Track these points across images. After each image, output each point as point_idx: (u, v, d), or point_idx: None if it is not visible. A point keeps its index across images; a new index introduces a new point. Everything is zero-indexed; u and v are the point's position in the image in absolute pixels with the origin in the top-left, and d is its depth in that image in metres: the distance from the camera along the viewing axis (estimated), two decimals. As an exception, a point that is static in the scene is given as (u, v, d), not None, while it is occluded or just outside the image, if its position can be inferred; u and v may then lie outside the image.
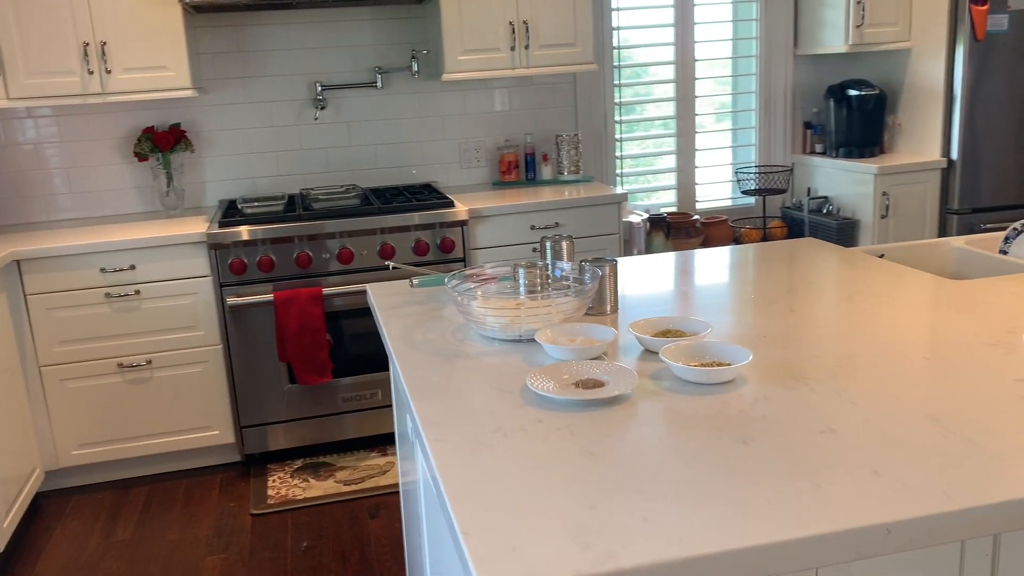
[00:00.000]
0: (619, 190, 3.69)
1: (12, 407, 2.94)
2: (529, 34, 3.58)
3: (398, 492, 3.11)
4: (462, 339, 1.67)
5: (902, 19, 3.97)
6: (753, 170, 4.33)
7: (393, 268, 3.20)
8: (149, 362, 3.22)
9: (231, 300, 3.19)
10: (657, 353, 1.51)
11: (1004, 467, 1.05)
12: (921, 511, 0.96)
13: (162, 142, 3.51)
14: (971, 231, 3.88)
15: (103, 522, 3.04)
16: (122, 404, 3.22)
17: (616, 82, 4.14)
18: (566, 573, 0.87)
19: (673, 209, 4.34)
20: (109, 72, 3.23)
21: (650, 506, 1.00)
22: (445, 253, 3.37)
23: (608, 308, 1.80)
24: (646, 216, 3.95)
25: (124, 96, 3.27)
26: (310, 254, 3.25)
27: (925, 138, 3.99)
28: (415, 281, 2.06)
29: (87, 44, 3.20)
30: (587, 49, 3.67)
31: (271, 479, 3.26)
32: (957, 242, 2.35)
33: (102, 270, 3.12)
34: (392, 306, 1.94)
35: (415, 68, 3.80)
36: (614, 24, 4.08)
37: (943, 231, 3.96)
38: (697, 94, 4.28)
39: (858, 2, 3.88)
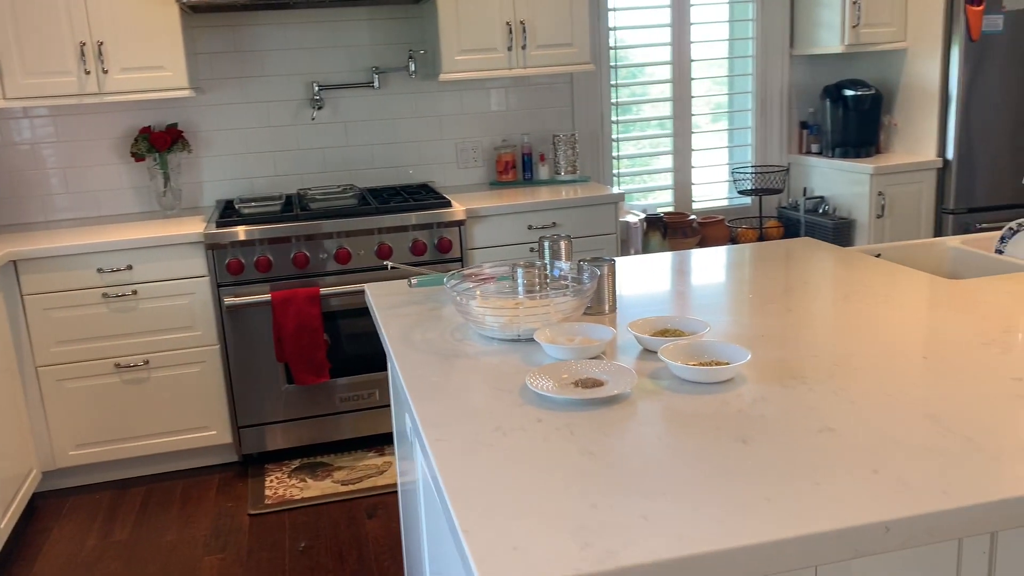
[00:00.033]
0: (616, 190, 3.69)
1: (9, 407, 2.94)
2: (526, 34, 3.58)
3: (396, 492, 3.11)
4: (461, 339, 1.67)
5: (898, 19, 3.98)
6: (749, 170, 4.34)
7: (392, 268, 3.20)
8: (146, 362, 3.21)
9: (228, 300, 3.19)
10: (656, 352, 1.52)
11: (1002, 465, 1.06)
12: (920, 509, 0.97)
13: (159, 142, 3.51)
14: (966, 231, 3.90)
15: (100, 522, 3.04)
16: (119, 404, 3.22)
17: (613, 82, 4.15)
18: (567, 571, 0.88)
19: (670, 209, 4.35)
20: (106, 72, 3.23)
21: (650, 505, 1.00)
22: (442, 253, 3.37)
23: (606, 308, 1.80)
24: (643, 216, 3.95)
25: (121, 96, 3.27)
26: (307, 254, 3.25)
27: (921, 138, 4.00)
28: (414, 281, 2.07)
29: (84, 44, 3.19)
30: (584, 49, 3.67)
31: (269, 479, 3.26)
32: (953, 242, 2.36)
33: (99, 270, 3.12)
34: (391, 306, 1.94)
35: (412, 68, 3.80)
36: (611, 24, 4.09)
37: (939, 231, 3.98)
38: (693, 94, 4.29)
39: (854, 2, 3.89)
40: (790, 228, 4.28)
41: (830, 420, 1.21)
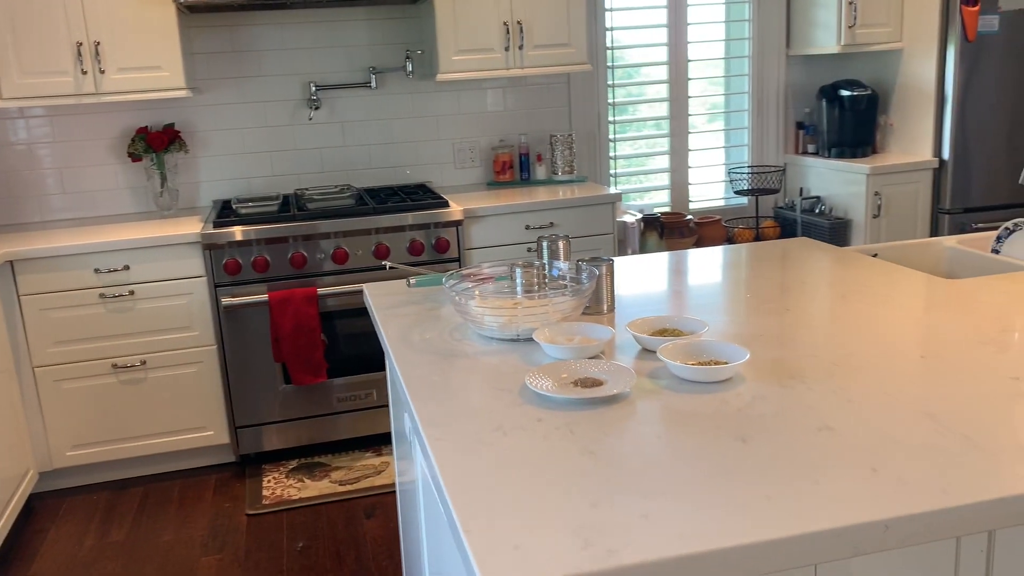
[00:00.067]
0: (613, 190, 3.70)
1: (6, 408, 2.93)
2: (523, 34, 3.59)
3: (394, 492, 3.11)
4: (460, 338, 1.68)
5: (894, 20, 3.99)
6: (746, 170, 4.35)
7: (390, 268, 3.20)
8: (144, 363, 3.21)
9: (226, 300, 3.19)
10: (654, 352, 1.52)
11: (1000, 464, 1.07)
12: (919, 508, 0.97)
13: (156, 142, 3.51)
14: (962, 231, 3.91)
15: (98, 523, 3.03)
16: (116, 405, 3.22)
17: (610, 82, 4.15)
18: (568, 570, 0.88)
19: (666, 209, 4.36)
20: (103, 72, 3.22)
21: (650, 504, 1.00)
22: (440, 253, 3.37)
23: (605, 307, 1.81)
24: (640, 216, 3.96)
25: (118, 96, 3.26)
26: (305, 254, 3.25)
27: (917, 138, 4.01)
28: (412, 281, 2.07)
29: (81, 44, 3.19)
30: (581, 49, 3.68)
31: (266, 479, 3.26)
32: (950, 241, 2.37)
33: (96, 271, 3.11)
34: (389, 306, 1.94)
35: (409, 68, 3.80)
36: (608, 24, 4.09)
37: (934, 231, 3.99)
38: (690, 94, 4.30)
39: (850, 3, 3.90)
40: (786, 228, 4.29)
41: (829, 419, 1.22)
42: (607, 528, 0.96)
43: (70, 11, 3.16)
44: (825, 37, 4.04)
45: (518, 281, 1.78)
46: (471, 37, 3.54)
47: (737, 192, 4.24)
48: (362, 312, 3.35)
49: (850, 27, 3.92)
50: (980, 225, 3.88)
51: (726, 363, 1.40)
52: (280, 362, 3.29)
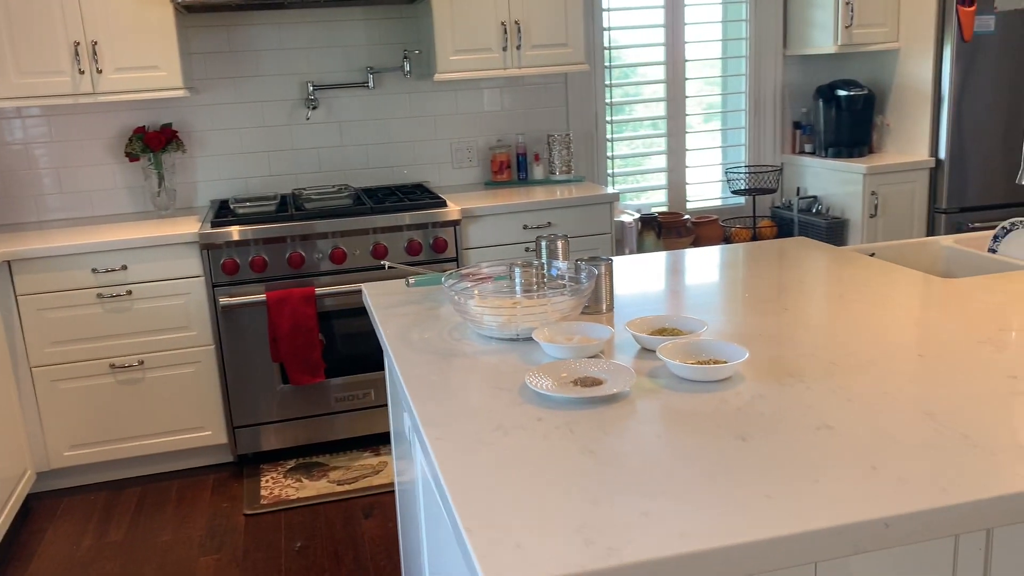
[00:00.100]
0: (610, 190, 3.70)
1: (3, 408, 2.93)
2: (521, 34, 3.59)
3: (392, 492, 3.12)
4: (459, 338, 1.68)
5: (890, 20, 4.00)
6: (743, 170, 4.36)
7: (389, 268, 3.20)
8: (141, 363, 3.21)
9: (223, 300, 3.18)
10: (653, 351, 1.53)
11: (998, 463, 1.07)
12: (919, 506, 0.98)
13: (153, 142, 3.50)
14: (959, 230, 3.92)
15: (95, 523, 3.03)
16: (114, 405, 3.21)
17: (607, 82, 4.16)
18: (570, 569, 0.88)
19: (664, 209, 4.36)
20: (100, 72, 3.22)
21: (651, 502, 1.01)
22: (438, 253, 3.37)
23: (604, 307, 1.81)
24: (637, 216, 3.96)
25: (115, 96, 3.26)
26: (303, 254, 3.25)
27: (913, 138, 4.02)
28: (411, 280, 2.07)
29: (78, 44, 3.19)
30: (578, 49, 3.68)
31: (264, 479, 3.26)
32: (947, 241, 2.38)
33: (94, 270, 3.11)
34: (388, 305, 1.94)
35: (407, 68, 3.81)
36: (605, 25, 4.09)
37: (931, 230, 4.00)
38: (687, 94, 4.30)
39: (847, 3, 3.91)
40: (783, 228, 4.30)
41: (828, 418, 1.22)
42: (608, 527, 0.96)
43: (67, 11, 3.16)
44: (822, 37, 4.05)
45: (517, 281, 1.78)
46: (469, 37, 3.55)
47: (734, 192, 4.25)
48: (360, 312, 3.35)
49: (847, 27, 3.93)
50: (976, 224, 3.90)
51: (725, 362, 1.41)
52: (278, 362, 3.29)
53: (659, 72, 4.26)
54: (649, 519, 0.97)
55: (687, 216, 4.12)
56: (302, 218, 3.25)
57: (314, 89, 3.77)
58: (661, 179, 4.36)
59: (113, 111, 3.61)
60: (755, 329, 1.64)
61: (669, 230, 4.04)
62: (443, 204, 3.39)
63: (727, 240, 4.28)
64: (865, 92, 4.05)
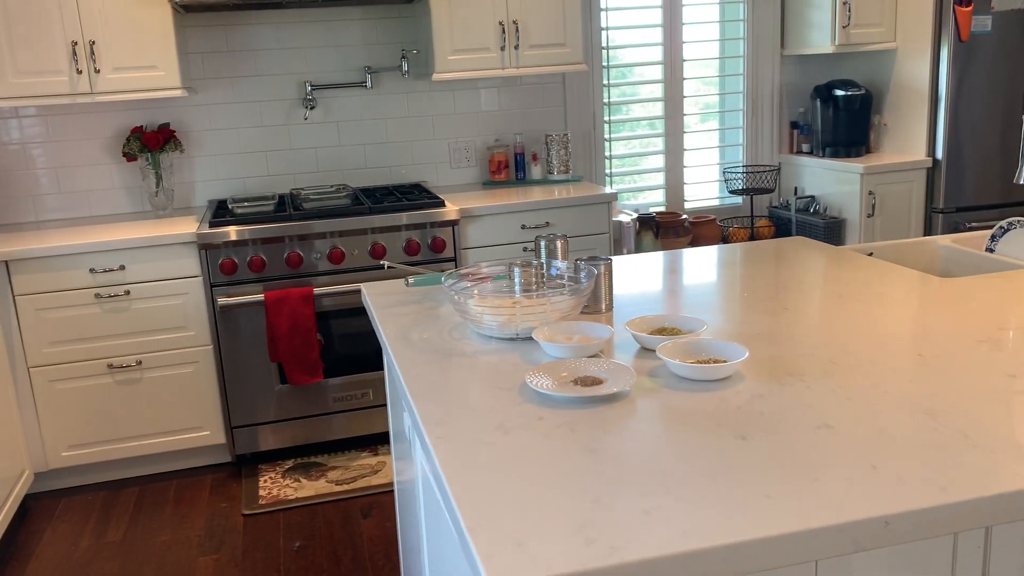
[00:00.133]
0: (609, 190, 3.70)
1: (1, 409, 2.93)
2: (519, 34, 3.59)
3: (390, 491, 3.12)
4: (459, 338, 1.68)
5: (887, 20, 4.01)
6: (740, 170, 4.36)
7: (388, 267, 3.20)
8: (139, 363, 3.21)
9: (222, 300, 3.18)
10: (653, 351, 1.53)
11: (997, 461, 1.08)
12: (919, 504, 0.98)
13: (151, 142, 3.50)
14: (955, 230, 3.93)
15: (94, 523, 3.03)
16: (112, 405, 3.21)
17: (605, 82, 4.16)
18: (572, 567, 0.89)
19: (662, 209, 4.37)
20: (98, 72, 3.22)
21: (652, 501, 1.01)
22: (436, 253, 3.37)
23: (603, 307, 1.81)
24: (635, 216, 3.97)
25: (113, 96, 3.26)
26: (301, 254, 3.25)
27: (910, 138, 4.03)
28: (411, 280, 2.07)
29: (76, 43, 3.18)
30: (576, 49, 3.69)
31: (262, 479, 3.26)
32: (944, 240, 2.39)
33: (91, 270, 3.11)
34: (387, 305, 1.94)
35: (405, 68, 3.81)
36: (603, 24, 4.10)
37: (928, 230, 4.01)
38: (685, 94, 4.31)
39: (844, 3, 3.92)
40: (781, 227, 4.30)
41: (828, 417, 1.22)
42: (610, 525, 0.96)
43: (65, 10, 3.16)
44: (819, 37, 4.05)
45: (517, 280, 1.78)
46: (467, 37, 3.55)
47: (732, 192, 4.25)
48: (358, 312, 3.36)
49: (844, 27, 3.94)
50: (973, 224, 3.90)
51: (725, 362, 1.41)
52: (276, 362, 3.29)
53: (657, 72, 4.26)
54: (651, 518, 0.97)
55: (685, 216, 4.13)
56: (300, 218, 3.25)
57: (312, 89, 3.77)
58: (659, 179, 4.37)
59: (111, 111, 3.61)
60: (754, 328, 1.64)
61: (667, 230, 4.05)
62: (441, 204, 3.39)
63: (725, 240, 4.28)
64: (862, 92, 4.06)
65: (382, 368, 3.43)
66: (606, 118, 4.20)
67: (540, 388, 1.35)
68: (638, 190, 4.35)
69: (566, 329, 1.61)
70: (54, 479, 3.30)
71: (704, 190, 4.47)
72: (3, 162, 3.55)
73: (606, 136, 4.22)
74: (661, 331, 1.59)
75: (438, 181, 4.01)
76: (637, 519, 0.97)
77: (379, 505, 3.04)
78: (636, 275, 2.11)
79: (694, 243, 4.13)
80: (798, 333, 1.60)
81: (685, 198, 4.41)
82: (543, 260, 1.89)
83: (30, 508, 3.16)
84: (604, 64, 4.14)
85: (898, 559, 1.11)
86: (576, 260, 1.81)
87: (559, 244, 1.92)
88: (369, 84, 3.81)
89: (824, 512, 0.97)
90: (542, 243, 1.92)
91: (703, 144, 4.43)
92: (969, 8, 3.71)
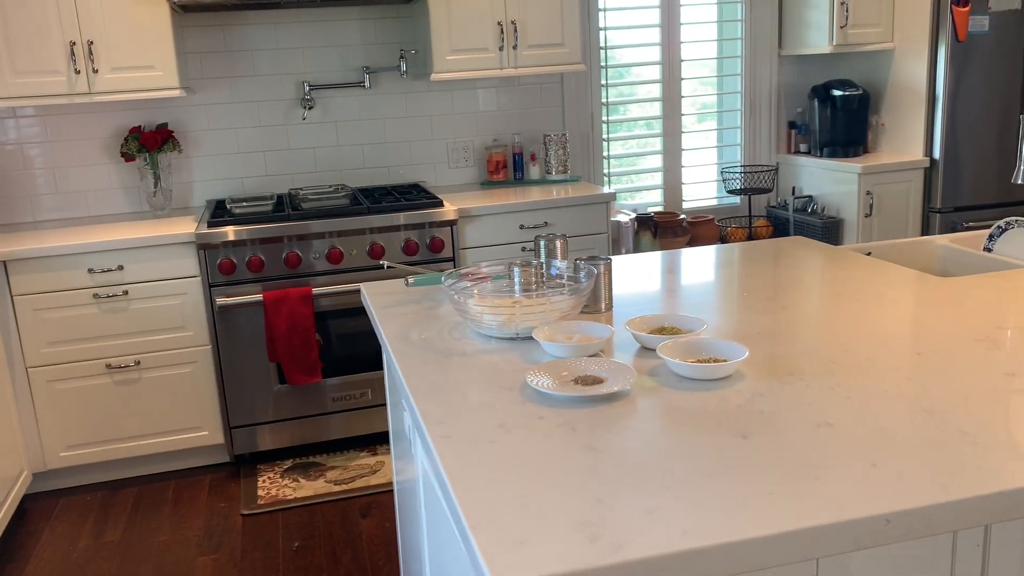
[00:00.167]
0: (607, 190, 3.71)
1: None
2: (517, 34, 3.59)
3: (389, 491, 3.12)
4: (459, 337, 1.68)
5: (885, 20, 4.02)
6: (738, 170, 4.37)
7: (388, 267, 3.20)
8: (138, 363, 3.20)
9: (220, 300, 3.18)
10: (653, 350, 1.53)
11: (996, 459, 1.08)
12: (918, 502, 0.98)
13: (149, 142, 3.50)
14: (953, 229, 3.94)
15: (92, 524, 3.02)
16: (111, 405, 3.21)
17: (603, 82, 4.16)
18: (575, 565, 0.89)
19: (660, 208, 4.37)
20: (96, 72, 3.22)
21: (654, 499, 1.01)
22: (434, 253, 3.38)
23: (603, 306, 1.82)
24: (633, 215, 3.97)
25: (111, 96, 3.26)
26: (299, 254, 3.25)
27: (908, 138, 4.04)
28: (410, 280, 2.07)
29: (74, 43, 3.18)
30: (575, 49, 3.69)
31: (261, 479, 3.26)
32: (942, 240, 2.39)
33: (90, 271, 3.11)
34: (387, 305, 1.94)
35: (403, 68, 3.81)
36: (601, 24, 4.10)
37: (926, 229, 4.02)
38: (683, 94, 4.32)
39: (842, 3, 3.93)
40: (779, 227, 4.31)
41: (828, 415, 1.23)
42: (612, 524, 0.96)
43: (63, 10, 3.15)
44: (817, 37, 4.06)
45: (516, 280, 1.79)
46: (465, 37, 3.55)
47: (730, 191, 4.26)
48: (357, 312, 3.36)
49: (842, 27, 3.95)
50: (970, 224, 3.91)
51: (725, 361, 1.41)
52: (275, 362, 3.29)
53: (655, 72, 4.27)
54: (653, 516, 0.98)
55: (683, 216, 4.13)
56: (299, 218, 3.25)
57: (310, 89, 3.77)
58: (657, 179, 4.37)
59: (109, 111, 3.60)
60: (754, 328, 1.65)
61: (665, 230, 4.05)
62: (440, 204, 3.39)
63: (723, 240, 4.29)
64: (860, 92, 4.07)
65: (380, 368, 3.43)
66: (604, 118, 4.21)
67: (541, 387, 1.35)
68: (636, 190, 4.35)
69: (566, 328, 1.61)
70: (52, 479, 3.30)
71: (702, 190, 4.47)
72: (1, 162, 3.54)
73: (604, 136, 4.22)
74: (661, 330, 1.59)
75: (436, 181, 4.01)
76: (638, 518, 0.98)
77: (378, 505, 3.04)
78: (635, 275, 2.11)
79: (692, 243, 4.14)
80: (797, 332, 1.61)
81: (683, 198, 4.42)
82: (543, 260, 1.90)
83: (28, 508, 3.16)
84: (602, 64, 4.14)
85: (898, 557, 1.11)
86: (576, 260, 1.81)
87: (559, 244, 1.92)
88: (367, 84, 3.81)
89: (824, 511, 0.97)
90: (542, 243, 1.92)
91: (701, 144, 4.43)
92: (966, 8, 3.72)
